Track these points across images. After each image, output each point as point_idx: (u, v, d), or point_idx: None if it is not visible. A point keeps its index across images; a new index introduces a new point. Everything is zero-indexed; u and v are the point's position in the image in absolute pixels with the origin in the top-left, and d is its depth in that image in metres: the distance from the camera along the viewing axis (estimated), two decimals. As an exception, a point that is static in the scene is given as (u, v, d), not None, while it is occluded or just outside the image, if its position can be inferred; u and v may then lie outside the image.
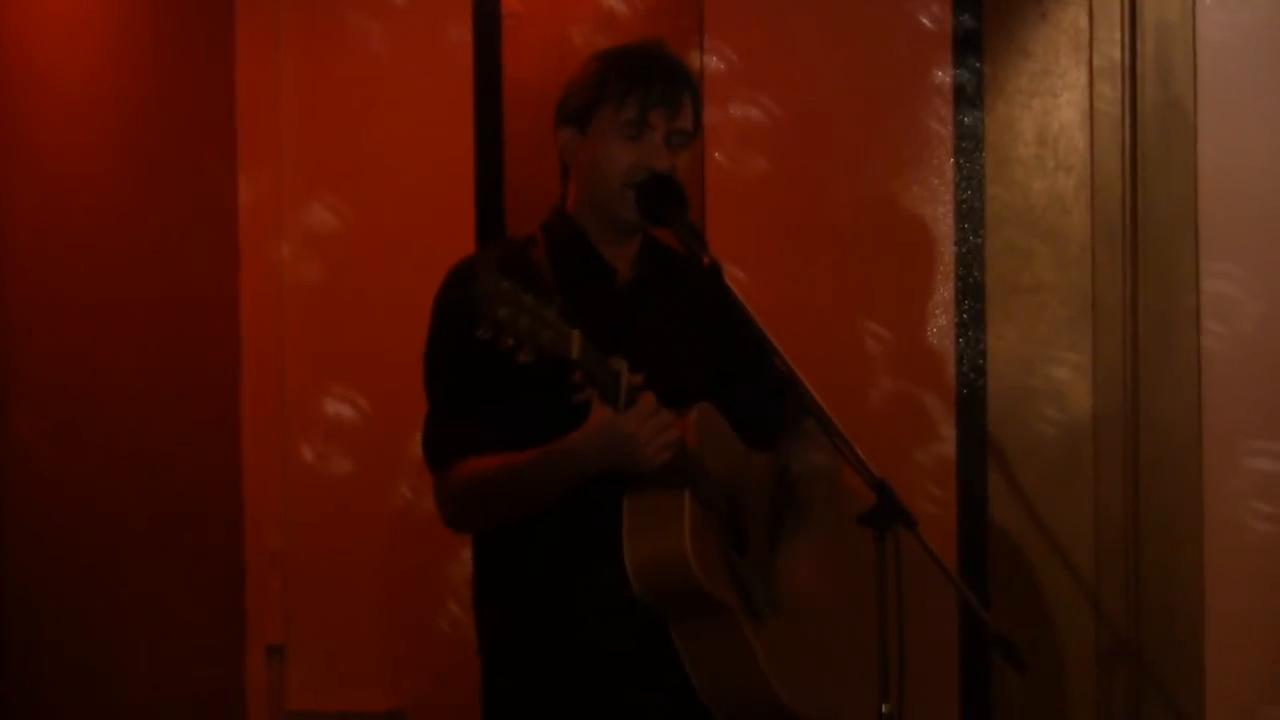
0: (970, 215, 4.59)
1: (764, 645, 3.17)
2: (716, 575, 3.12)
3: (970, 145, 4.60)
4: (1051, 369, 4.55)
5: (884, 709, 3.03)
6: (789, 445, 3.50)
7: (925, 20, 4.61)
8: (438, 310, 3.27)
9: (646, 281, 3.37)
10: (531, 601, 3.26)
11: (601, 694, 3.23)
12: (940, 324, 4.60)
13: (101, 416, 5.00)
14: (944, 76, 4.62)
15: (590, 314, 3.02)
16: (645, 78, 3.22)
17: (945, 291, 4.60)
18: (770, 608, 3.29)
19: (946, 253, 4.61)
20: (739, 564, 3.22)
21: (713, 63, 4.69)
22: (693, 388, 3.26)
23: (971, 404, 4.58)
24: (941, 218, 4.61)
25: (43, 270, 5.04)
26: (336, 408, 4.86)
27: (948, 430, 4.58)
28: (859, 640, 3.35)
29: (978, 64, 4.60)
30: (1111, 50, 4.52)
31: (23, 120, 5.04)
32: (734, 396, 3.40)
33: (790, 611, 3.35)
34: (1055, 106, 4.57)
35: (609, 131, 3.24)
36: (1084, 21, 4.54)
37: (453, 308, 3.23)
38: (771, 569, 3.35)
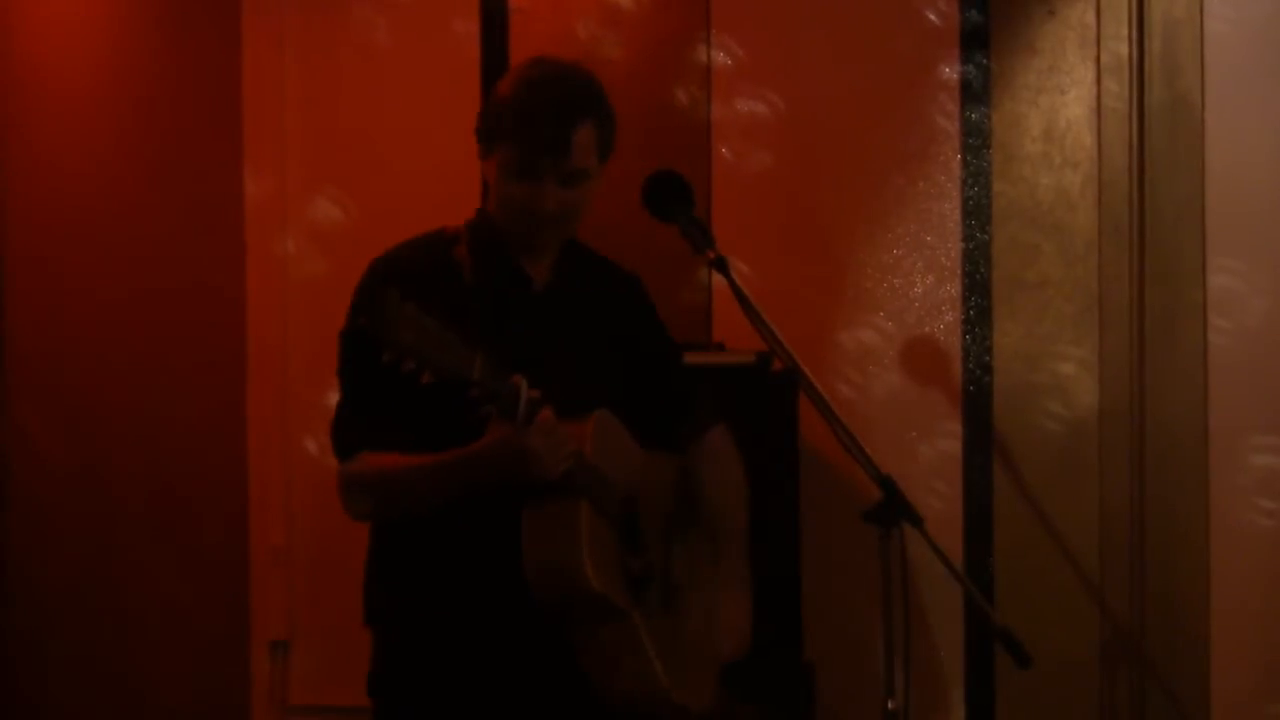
0: (976, 211, 4.59)
1: (657, 643, 3.21)
2: (613, 579, 3.16)
3: (977, 141, 4.59)
4: (1057, 365, 4.55)
5: (889, 705, 3.02)
6: (694, 450, 3.53)
7: (932, 16, 4.60)
8: (355, 306, 3.27)
9: (562, 288, 3.39)
10: (424, 602, 3.30)
11: (492, 693, 3.26)
12: (946, 320, 4.60)
13: (107, 410, 5.00)
14: (951, 72, 4.61)
15: (502, 319, 3.18)
16: (529, 122, 3.20)
17: (951, 288, 4.60)
18: (662, 605, 3.31)
19: (953, 249, 4.60)
20: (633, 565, 3.26)
21: (719, 58, 4.69)
22: (596, 394, 3.27)
23: (977, 400, 4.58)
24: (948, 214, 4.61)
25: (49, 264, 5.05)
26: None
27: (953, 426, 4.58)
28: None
29: (985, 60, 4.59)
30: (1119, 47, 4.51)
31: (28, 115, 5.05)
32: (641, 401, 3.42)
33: (680, 608, 3.37)
34: (1062, 103, 4.57)
35: (502, 167, 3.24)
36: (1091, 18, 4.54)
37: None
38: (665, 567, 3.37)
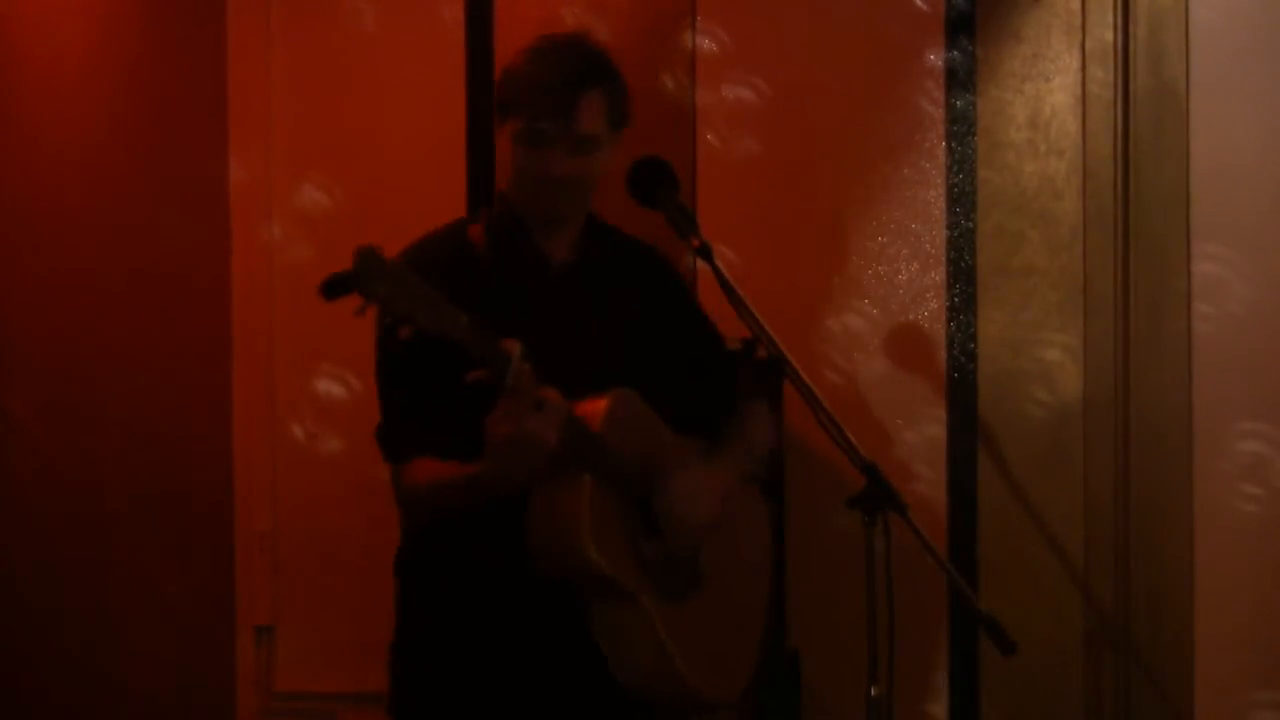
0: (961, 199, 4.59)
1: (674, 627, 3.20)
2: (621, 557, 3.15)
3: (962, 129, 4.59)
4: (1042, 352, 4.56)
5: (873, 692, 3.03)
6: (731, 428, 3.51)
7: (918, 2, 4.60)
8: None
9: (584, 267, 3.37)
10: (453, 573, 3.29)
11: (520, 671, 3.26)
12: (931, 307, 4.60)
13: (92, 396, 5.00)
14: (936, 59, 4.61)
15: (518, 299, 3.18)
16: (536, 88, 3.21)
17: (936, 275, 4.60)
18: (685, 592, 3.29)
19: (938, 236, 4.61)
20: (648, 547, 3.23)
21: (705, 44, 4.68)
22: (620, 375, 3.25)
23: (962, 387, 4.59)
24: (933, 201, 4.61)
25: (34, 250, 5.03)
26: (327, 387, 4.84)
27: (938, 413, 4.58)
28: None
29: (970, 47, 4.59)
30: (1104, 34, 4.51)
31: (12, 100, 5.03)
32: (678, 382, 3.41)
33: (708, 596, 3.35)
34: (1047, 90, 4.57)
35: (513, 136, 3.26)
36: (1076, 4, 4.54)
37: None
38: (692, 554, 3.34)
